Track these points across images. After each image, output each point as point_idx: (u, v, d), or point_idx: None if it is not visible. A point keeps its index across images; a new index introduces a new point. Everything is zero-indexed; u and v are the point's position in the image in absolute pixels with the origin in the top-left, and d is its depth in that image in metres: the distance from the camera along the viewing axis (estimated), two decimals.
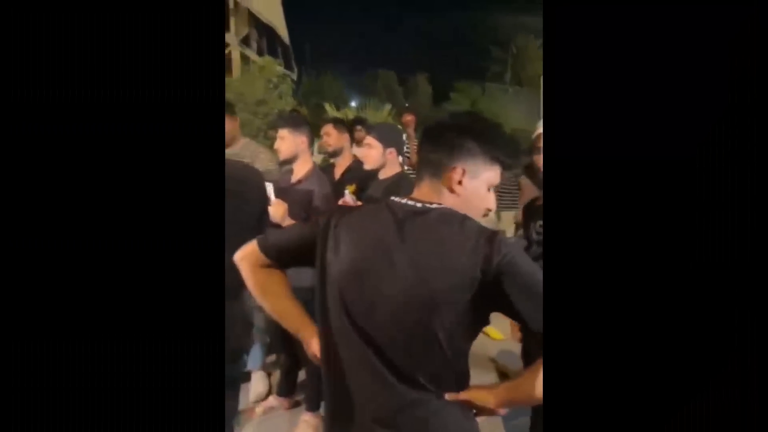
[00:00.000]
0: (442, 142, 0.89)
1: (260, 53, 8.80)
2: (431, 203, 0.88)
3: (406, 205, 0.89)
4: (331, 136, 2.58)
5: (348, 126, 2.73)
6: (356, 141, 3.64)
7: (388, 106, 5.94)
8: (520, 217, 3.20)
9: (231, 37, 7.79)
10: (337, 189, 2.40)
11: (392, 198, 0.92)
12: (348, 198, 2.11)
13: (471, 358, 0.88)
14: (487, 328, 3.36)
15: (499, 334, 3.32)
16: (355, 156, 2.71)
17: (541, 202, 1.53)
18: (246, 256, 0.97)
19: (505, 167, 0.92)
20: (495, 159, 0.89)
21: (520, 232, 2.63)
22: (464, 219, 0.85)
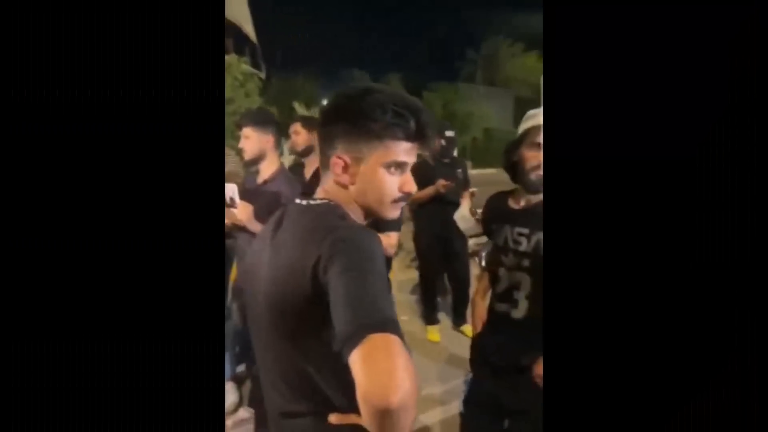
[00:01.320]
0: (324, 133, 0.80)
1: (227, 52, 8.61)
2: (316, 199, 0.81)
3: (297, 203, 0.83)
4: (300, 135, 2.48)
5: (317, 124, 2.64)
6: None
7: None
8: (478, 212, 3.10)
9: None
10: (307, 189, 2.31)
11: (297, 201, 0.84)
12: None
13: None
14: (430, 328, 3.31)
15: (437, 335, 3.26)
16: None
17: (518, 203, 1.43)
18: None
19: (398, 137, 0.76)
20: (378, 132, 0.75)
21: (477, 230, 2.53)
22: (329, 213, 0.76)
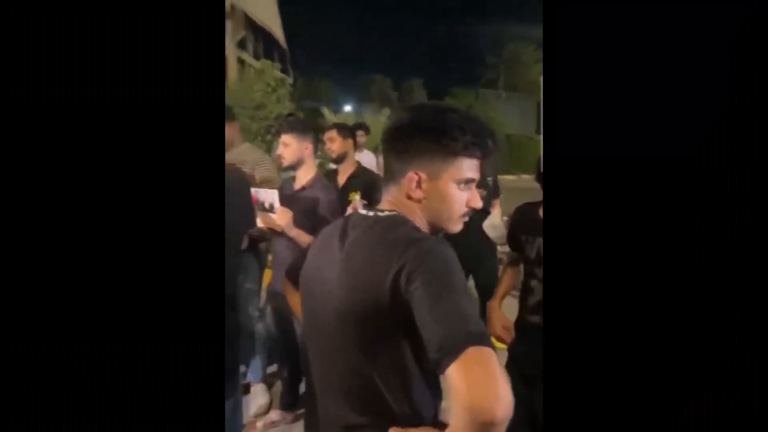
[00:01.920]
0: (397, 147, 0.82)
1: (257, 57, 8.75)
2: (383, 210, 0.82)
3: (361, 214, 0.84)
4: (335, 142, 2.52)
5: (352, 131, 2.67)
6: (357, 145, 3.60)
7: (387, 111, 5.90)
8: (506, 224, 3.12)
9: (227, 40, 7.73)
10: (341, 196, 2.34)
11: (358, 210, 0.87)
12: (358, 205, 2.04)
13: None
14: None
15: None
16: (359, 162, 2.66)
17: (540, 213, 1.43)
18: (285, 287, 1.05)
19: (474, 155, 0.79)
20: (457, 151, 0.78)
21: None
22: (401, 225, 0.78)
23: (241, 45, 8.34)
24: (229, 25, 7.86)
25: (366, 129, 4.09)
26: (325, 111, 7.34)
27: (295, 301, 1.00)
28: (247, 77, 6.84)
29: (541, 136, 1.37)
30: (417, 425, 0.75)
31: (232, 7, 7.99)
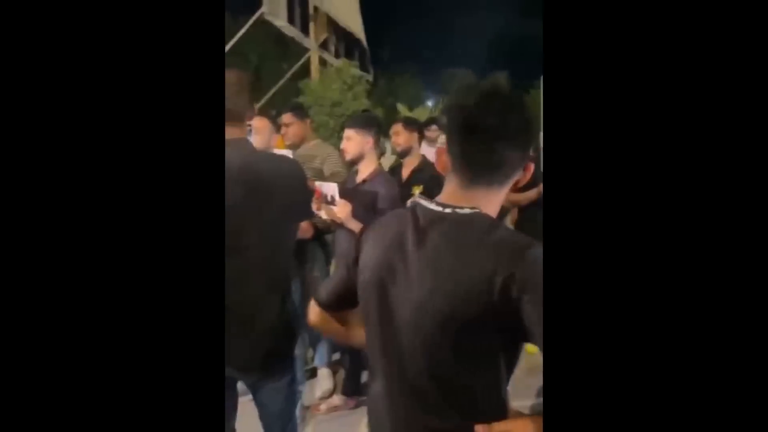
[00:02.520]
0: (487, 136, 0.76)
1: (338, 56, 9.04)
2: (462, 207, 0.77)
3: (432, 209, 0.80)
4: (401, 136, 2.54)
5: (418, 125, 2.67)
6: (429, 140, 3.59)
7: None
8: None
9: (310, 42, 8.09)
10: (404, 190, 2.36)
11: (419, 201, 0.84)
12: (419, 199, 2.05)
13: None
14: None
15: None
16: (423, 156, 2.65)
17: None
18: (313, 313, 1.00)
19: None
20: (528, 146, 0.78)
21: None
22: (493, 226, 0.75)
23: (324, 46, 8.66)
24: (312, 27, 8.21)
25: (439, 124, 4.06)
26: (399, 106, 7.38)
27: (323, 323, 0.98)
28: (326, 76, 7.10)
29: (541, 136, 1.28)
30: (501, 419, 0.75)
31: (315, 9, 8.31)
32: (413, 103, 11.30)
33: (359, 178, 2.16)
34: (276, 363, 1.36)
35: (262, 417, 1.44)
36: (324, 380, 2.62)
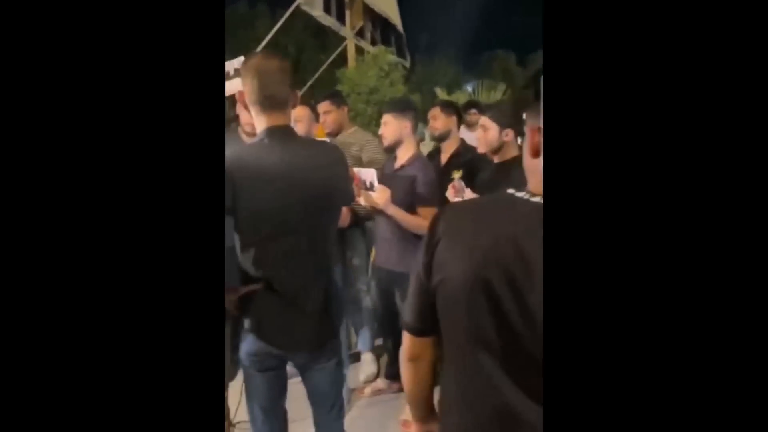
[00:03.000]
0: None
1: (374, 43, 9.00)
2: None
3: (533, 201, 0.72)
4: (438, 120, 2.51)
5: (456, 109, 2.62)
6: (468, 124, 3.52)
7: (502, 87, 5.62)
8: None
9: (346, 30, 8.10)
10: (444, 174, 2.34)
11: (510, 192, 0.76)
12: (457, 184, 2.02)
13: None
14: None
15: None
16: (462, 140, 2.61)
17: None
18: (409, 345, 0.86)
19: None
20: None
21: None
22: None
23: (360, 34, 8.64)
24: (348, 15, 8.21)
25: (479, 107, 3.96)
26: (438, 90, 7.27)
27: (410, 372, 0.87)
28: (362, 63, 7.09)
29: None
30: None
31: None
32: (452, 87, 11.10)
33: (397, 163, 2.16)
34: (323, 345, 1.40)
35: (311, 397, 1.48)
36: (368, 364, 2.66)
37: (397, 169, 2.14)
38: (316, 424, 1.52)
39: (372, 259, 2.51)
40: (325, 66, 8.92)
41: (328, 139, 2.57)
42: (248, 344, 1.34)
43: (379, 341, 2.75)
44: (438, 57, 21.54)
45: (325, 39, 16.21)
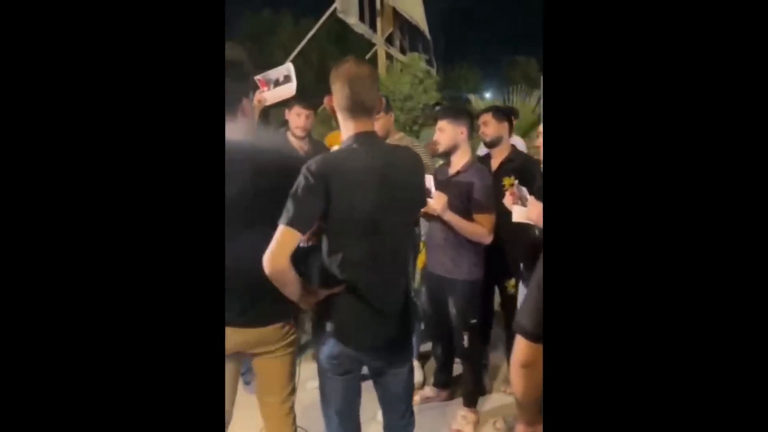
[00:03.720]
0: None
1: (402, 51, 9.02)
2: None
3: None
4: (490, 126, 2.49)
5: (507, 114, 2.60)
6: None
7: (537, 93, 5.56)
8: None
9: (377, 38, 8.13)
10: (495, 181, 2.31)
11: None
12: (516, 190, 2.00)
13: None
14: None
15: None
16: (514, 146, 2.58)
17: None
18: (522, 350, 0.89)
19: None
20: None
21: None
22: None
23: (389, 40, 8.68)
24: (378, 22, 8.25)
25: (515, 113, 3.93)
26: (472, 98, 7.26)
27: None
28: (395, 71, 7.10)
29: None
30: None
31: (382, 3, 8.33)
32: (477, 94, 11.08)
33: (452, 169, 2.15)
34: (401, 348, 1.39)
35: (383, 402, 1.47)
36: (414, 371, 2.63)
37: (453, 175, 2.13)
38: (387, 428, 1.51)
39: (420, 264, 2.50)
40: None
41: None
42: (329, 347, 1.35)
43: (423, 347, 2.73)
44: (459, 63, 21.52)
45: (347, 47, 16.32)
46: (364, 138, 1.30)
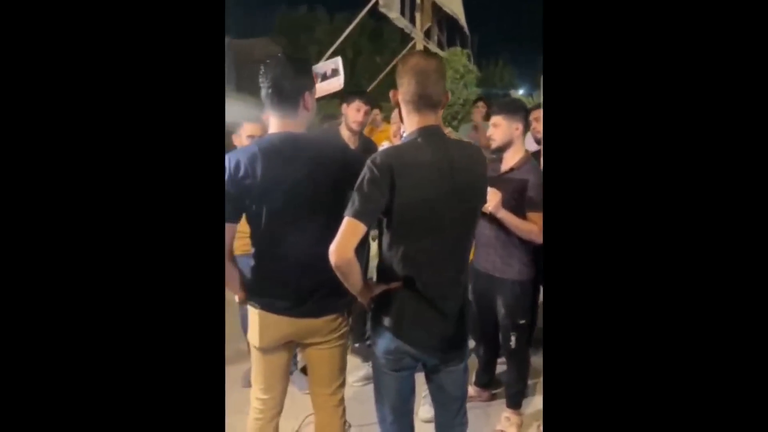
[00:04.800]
0: None
1: (440, 45, 8.94)
2: None
3: None
4: (541, 122, 2.43)
5: None
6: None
7: None
8: None
9: (416, 32, 8.06)
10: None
11: None
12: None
13: None
14: None
15: None
16: None
17: None
18: None
19: None
20: None
21: None
22: None
23: (427, 34, 8.60)
24: (417, 16, 8.18)
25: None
26: (512, 94, 7.14)
27: None
28: None
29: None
30: None
31: None
32: (513, 89, 10.86)
33: (506, 165, 2.10)
34: (458, 346, 1.38)
35: (437, 399, 1.46)
36: (468, 371, 2.60)
37: (505, 172, 2.08)
38: (440, 425, 1.49)
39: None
40: (389, 68, 8.95)
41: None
42: (385, 342, 1.34)
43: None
44: (494, 60, 21.17)
45: (382, 42, 16.28)
46: (429, 132, 1.28)
